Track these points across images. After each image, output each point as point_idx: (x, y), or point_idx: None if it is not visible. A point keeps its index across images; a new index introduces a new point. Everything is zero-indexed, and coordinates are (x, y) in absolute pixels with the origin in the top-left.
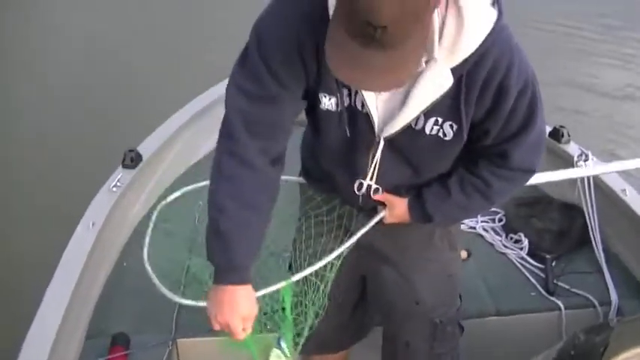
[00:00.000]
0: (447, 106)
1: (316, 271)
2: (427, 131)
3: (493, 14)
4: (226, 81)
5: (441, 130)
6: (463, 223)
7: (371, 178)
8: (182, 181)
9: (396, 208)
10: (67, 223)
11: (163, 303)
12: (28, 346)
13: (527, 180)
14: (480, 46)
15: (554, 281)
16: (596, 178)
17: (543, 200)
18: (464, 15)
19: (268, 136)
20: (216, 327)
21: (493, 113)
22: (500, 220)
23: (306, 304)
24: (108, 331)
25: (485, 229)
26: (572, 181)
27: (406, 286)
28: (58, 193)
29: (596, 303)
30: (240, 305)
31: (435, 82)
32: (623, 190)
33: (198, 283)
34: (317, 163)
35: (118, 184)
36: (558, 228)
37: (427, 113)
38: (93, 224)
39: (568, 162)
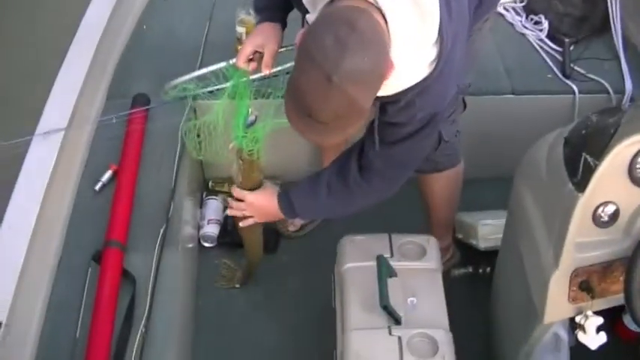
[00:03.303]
0: None
1: None
2: None
3: (422, 73)
4: None
5: None
6: None
7: None
8: None
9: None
10: None
11: (184, 66)
12: (51, 105)
13: (386, 194)
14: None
15: (571, 65)
16: None
17: None
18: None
19: None
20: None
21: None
22: (521, 1)
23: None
24: (128, 93)
25: (506, 9)
26: None
27: None
28: None
29: (610, 90)
30: (259, 33)
31: None
32: None
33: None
34: None
35: None
36: (580, 13)
37: None
38: None
39: None
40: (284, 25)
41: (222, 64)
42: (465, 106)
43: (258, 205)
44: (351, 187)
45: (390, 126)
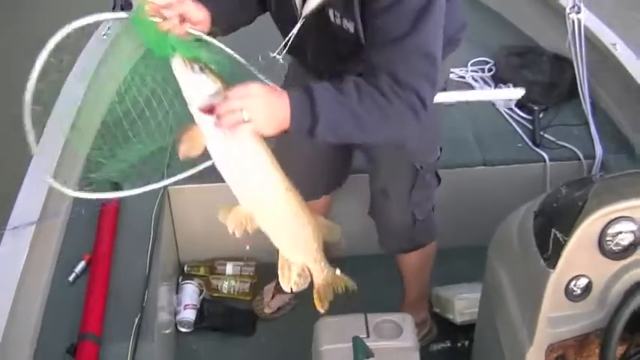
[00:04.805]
0: (342, 3)
1: None
2: (332, 19)
3: None
4: None
5: (344, 23)
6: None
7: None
8: None
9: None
10: None
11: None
12: (23, 196)
13: (419, 109)
14: None
15: (541, 133)
16: (587, 30)
17: (535, 51)
18: None
19: None
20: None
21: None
22: (490, 70)
23: None
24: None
25: (474, 79)
26: (563, 32)
27: None
28: None
29: (581, 156)
30: None
31: None
32: (614, 45)
33: None
34: None
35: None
36: (548, 80)
37: (329, 4)
38: None
39: (559, 13)
40: (214, 14)
41: None
42: (439, 181)
43: (264, 96)
44: (385, 92)
45: (386, 14)
